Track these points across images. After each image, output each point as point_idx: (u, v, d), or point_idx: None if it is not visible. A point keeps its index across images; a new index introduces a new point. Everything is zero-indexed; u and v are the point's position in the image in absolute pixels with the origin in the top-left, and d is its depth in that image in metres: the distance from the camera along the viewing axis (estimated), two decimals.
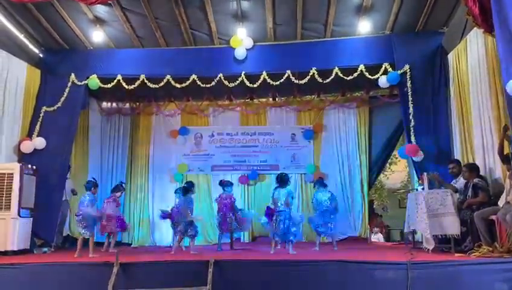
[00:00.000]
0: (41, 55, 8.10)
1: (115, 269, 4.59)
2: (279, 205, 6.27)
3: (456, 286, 4.20)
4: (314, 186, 7.44)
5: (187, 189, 7.04)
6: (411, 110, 7.35)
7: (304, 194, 9.55)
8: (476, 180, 5.64)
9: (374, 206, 12.74)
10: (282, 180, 6.46)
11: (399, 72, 7.48)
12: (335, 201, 7.04)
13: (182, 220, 6.73)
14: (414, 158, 7.19)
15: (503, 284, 4.16)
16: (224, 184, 7.59)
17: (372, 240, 9.61)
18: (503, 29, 4.73)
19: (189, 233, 6.73)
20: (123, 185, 8.27)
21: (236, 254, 6.34)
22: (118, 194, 7.73)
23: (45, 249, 7.11)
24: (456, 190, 6.00)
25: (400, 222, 13.14)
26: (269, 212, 6.44)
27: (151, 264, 4.91)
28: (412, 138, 7.27)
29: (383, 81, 7.62)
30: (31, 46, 7.84)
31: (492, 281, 4.20)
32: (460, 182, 6.14)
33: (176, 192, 8.07)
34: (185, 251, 6.65)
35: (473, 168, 5.82)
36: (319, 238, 7.04)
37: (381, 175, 12.42)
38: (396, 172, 13.35)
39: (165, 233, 9.23)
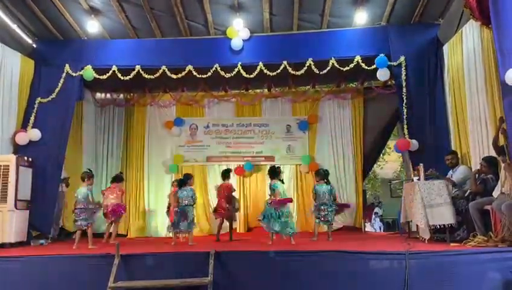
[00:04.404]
0: (34, 46, 7.98)
1: (116, 261, 4.61)
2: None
3: (453, 275, 4.28)
4: (315, 176, 7.41)
5: (186, 181, 7.03)
6: (406, 101, 7.42)
7: (299, 185, 9.61)
8: (490, 176, 5.49)
9: (367, 197, 12.83)
10: (274, 172, 6.53)
11: (395, 63, 7.53)
12: (333, 193, 7.08)
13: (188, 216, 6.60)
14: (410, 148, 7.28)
15: (498, 273, 4.26)
16: (227, 173, 7.83)
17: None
18: (500, 22, 4.79)
19: (189, 228, 6.64)
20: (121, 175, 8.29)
21: (237, 245, 6.37)
22: (120, 184, 7.72)
23: (42, 241, 7.10)
24: (454, 184, 6.04)
25: (391, 211, 13.35)
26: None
27: (153, 256, 4.91)
28: (406, 130, 7.36)
29: (381, 73, 7.67)
30: (24, 36, 7.71)
31: (487, 270, 4.29)
32: (457, 172, 6.21)
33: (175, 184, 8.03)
34: (184, 242, 6.67)
35: (492, 163, 5.46)
36: (317, 227, 7.07)
37: (375, 165, 12.52)
38: (390, 162, 13.46)
39: (160, 224, 9.25)
